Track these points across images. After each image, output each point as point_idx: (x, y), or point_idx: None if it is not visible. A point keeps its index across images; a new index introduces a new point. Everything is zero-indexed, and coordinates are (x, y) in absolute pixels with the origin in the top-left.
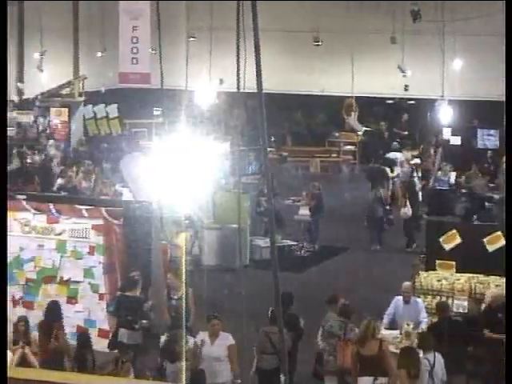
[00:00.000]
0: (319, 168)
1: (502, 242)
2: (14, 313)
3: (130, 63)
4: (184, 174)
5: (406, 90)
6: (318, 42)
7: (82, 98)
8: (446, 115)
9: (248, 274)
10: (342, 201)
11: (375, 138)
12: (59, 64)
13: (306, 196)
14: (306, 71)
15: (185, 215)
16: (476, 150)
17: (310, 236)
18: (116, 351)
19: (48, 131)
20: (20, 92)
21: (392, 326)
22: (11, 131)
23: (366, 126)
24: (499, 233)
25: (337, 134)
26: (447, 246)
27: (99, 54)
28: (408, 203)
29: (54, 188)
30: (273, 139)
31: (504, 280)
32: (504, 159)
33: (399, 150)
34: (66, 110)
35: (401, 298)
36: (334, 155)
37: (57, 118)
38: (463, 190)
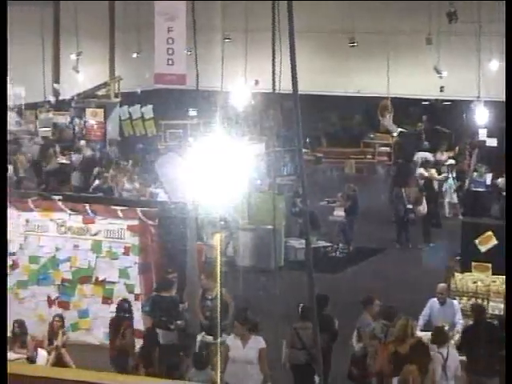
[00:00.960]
0: (354, 169)
1: None
2: (49, 313)
3: (165, 64)
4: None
5: (441, 91)
6: (353, 42)
7: (118, 99)
8: (482, 116)
9: (283, 275)
10: (377, 202)
11: (410, 139)
12: (95, 65)
13: (340, 197)
14: (341, 72)
15: (220, 216)
16: None
17: (344, 237)
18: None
19: (84, 132)
20: (56, 93)
21: (427, 327)
22: (47, 132)
23: (401, 128)
24: None
25: (372, 135)
26: (483, 248)
27: (135, 55)
28: (424, 201)
29: (90, 189)
30: (308, 140)
31: None
32: None
33: (430, 150)
34: (102, 110)
35: (436, 299)
36: (369, 156)
37: (92, 118)
38: (499, 192)
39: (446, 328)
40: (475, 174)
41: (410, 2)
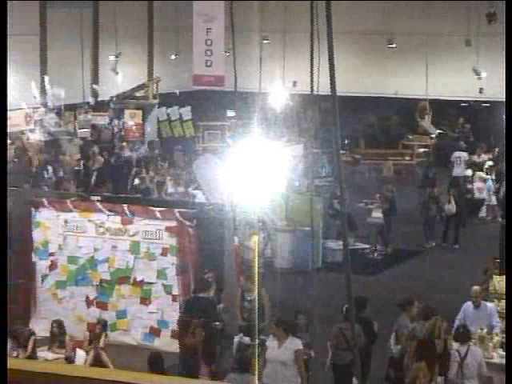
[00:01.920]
0: (392, 170)
1: None
2: (87, 313)
3: (204, 65)
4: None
5: (480, 92)
6: (392, 43)
7: (156, 100)
8: None
9: (320, 276)
10: (415, 203)
11: (449, 141)
12: (134, 66)
13: (378, 198)
14: (379, 73)
15: (258, 217)
16: None
17: (382, 239)
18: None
19: (122, 133)
20: (95, 94)
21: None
22: (86, 133)
23: (440, 129)
24: None
25: (410, 137)
26: None
27: (173, 57)
28: (453, 200)
29: (128, 189)
30: (346, 142)
31: None
32: None
33: (469, 152)
34: (140, 111)
35: (470, 303)
36: (408, 158)
37: (131, 119)
38: None
39: (485, 331)
40: None
41: (450, 3)
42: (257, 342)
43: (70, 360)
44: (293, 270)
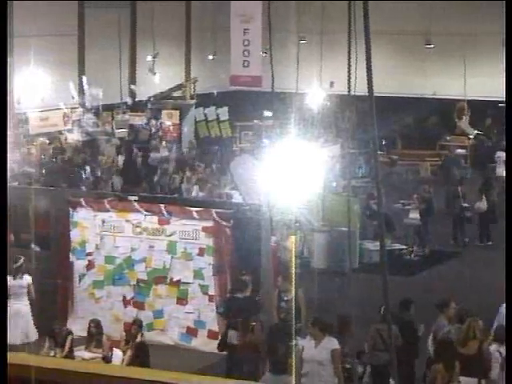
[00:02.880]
0: (429, 171)
1: None
2: (125, 313)
3: (241, 66)
4: (294, 177)
5: None
6: (429, 44)
7: (194, 101)
8: None
9: (357, 277)
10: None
11: (487, 142)
12: (171, 66)
13: (416, 199)
14: (417, 74)
15: (295, 218)
16: None
17: (419, 240)
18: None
19: (160, 133)
20: (133, 94)
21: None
22: (124, 133)
23: (478, 130)
24: None
25: (448, 138)
26: None
27: (210, 57)
28: (484, 197)
29: (166, 189)
30: (383, 142)
31: None
32: None
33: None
34: (178, 112)
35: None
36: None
37: (168, 120)
38: None
39: None
40: None
41: (488, 3)
42: (294, 342)
43: (107, 360)
44: (329, 270)
